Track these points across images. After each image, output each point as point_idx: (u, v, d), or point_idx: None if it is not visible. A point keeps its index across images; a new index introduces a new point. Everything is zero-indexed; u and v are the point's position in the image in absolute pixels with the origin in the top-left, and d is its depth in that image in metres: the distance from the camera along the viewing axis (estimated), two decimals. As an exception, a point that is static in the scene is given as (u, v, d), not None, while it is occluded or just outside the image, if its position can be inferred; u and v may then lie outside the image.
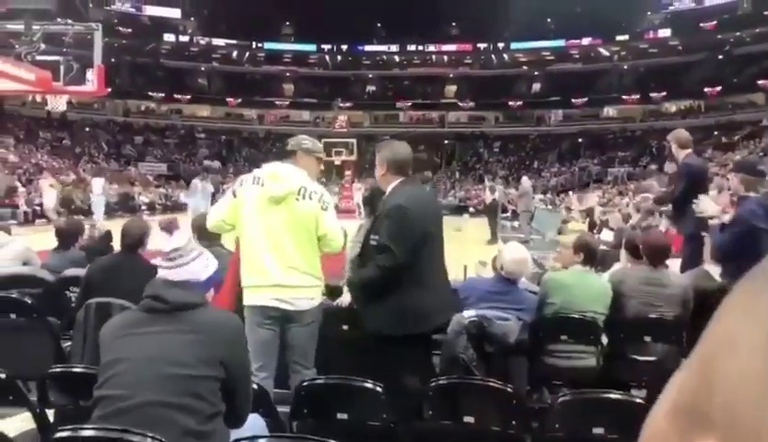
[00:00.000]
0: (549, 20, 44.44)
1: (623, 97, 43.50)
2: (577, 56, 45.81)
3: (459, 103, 47.14)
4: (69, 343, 4.18)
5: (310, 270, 3.49)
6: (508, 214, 20.77)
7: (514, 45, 46.39)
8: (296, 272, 3.43)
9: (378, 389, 2.74)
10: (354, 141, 29.02)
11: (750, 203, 4.58)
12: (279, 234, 3.43)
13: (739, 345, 0.40)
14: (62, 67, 11.13)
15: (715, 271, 4.72)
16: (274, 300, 3.40)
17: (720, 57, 40.09)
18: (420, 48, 47.73)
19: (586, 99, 44.14)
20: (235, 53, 47.21)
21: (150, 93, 44.83)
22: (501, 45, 46.69)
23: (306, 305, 3.46)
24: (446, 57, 48.28)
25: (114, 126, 42.63)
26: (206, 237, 4.46)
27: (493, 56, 47.44)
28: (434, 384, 3.01)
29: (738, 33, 39.08)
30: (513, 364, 3.91)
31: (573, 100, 44.35)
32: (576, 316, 4.07)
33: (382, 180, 3.72)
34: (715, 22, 39.59)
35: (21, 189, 21.25)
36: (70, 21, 12.49)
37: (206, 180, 15.66)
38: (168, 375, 2.14)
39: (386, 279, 3.42)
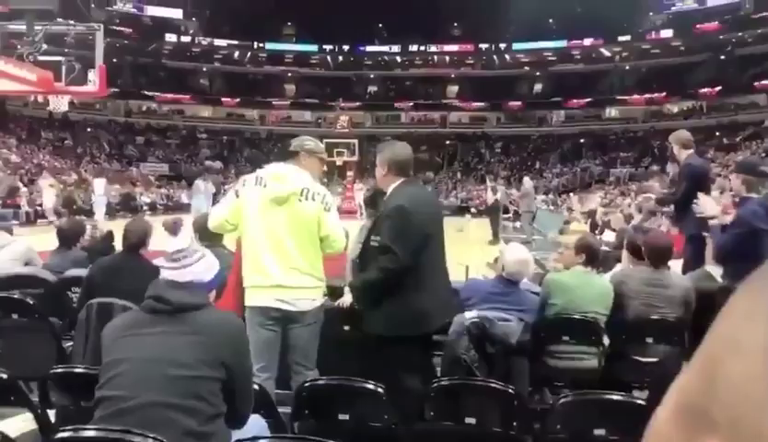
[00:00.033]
0: (551, 21, 44.44)
1: (625, 97, 43.49)
2: (579, 57, 45.79)
3: (461, 104, 47.19)
4: (71, 344, 4.18)
5: (312, 271, 3.49)
6: (510, 214, 20.77)
7: (516, 45, 46.39)
8: (298, 272, 3.43)
9: (380, 390, 2.74)
10: (355, 141, 29.05)
11: (751, 204, 4.57)
12: (281, 235, 3.43)
13: (742, 347, 0.40)
14: (63, 68, 11.12)
15: (716, 272, 4.71)
16: (276, 301, 3.40)
17: (722, 58, 40.06)
18: (422, 48, 47.76)
19: (588, 100, 44.16)
20: (237, 54, 47.26)
21: (152, 93, 44.90)
22: (503, 45, 46.71)
23: (307, 306, 3.46)
24: (447, 57, 48.30)
25: (116, 126, 42.70)
26: (208, 237, 4.47)
27: (494, 57, 47.46)
28: (435, 385, 3.01)
29: (740, 34, 39.06)
30: (514, 365, 3.90)
31: (575, 101, 44.36)
32: (578, 317, 4.07)
33: (383, 181, 3.72)
34: (717, 23, 39.54)
35: (23, 189, 21.27)
36: (72, 22, 12.48)
37: (208, 180, 15.68)
38: (169, 376, 2.13)
39: (389, 281, 3.42)
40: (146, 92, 44.74)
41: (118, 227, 5.55)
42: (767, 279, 0.43)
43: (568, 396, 2.86)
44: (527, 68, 47.05)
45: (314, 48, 47.72)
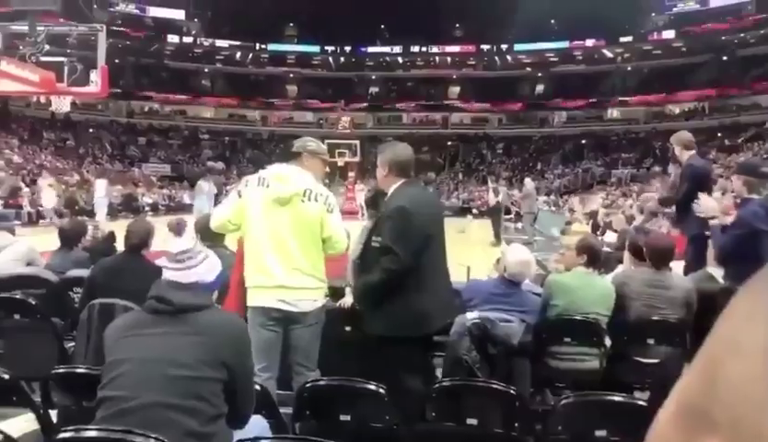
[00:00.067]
0: (552, 21, 44.40)
1: (627, 98, 43.46)
2: (581, 58, 45.78)
3: (463, 104, 47.18)
4: (72, 344, 4.19)
5: (314, 272, 3.50)
6: (512, 215, 20.76)
7: (517, 46, 46.39)
8: (300, 273, 3.43)
9: (381, 390, 2.74)
10: (357, 142, 29.06)
11: (752, 205, 4.57)
12: (283, 235, 3.43)
13: (742, 348, 0.41)
14: (66, 68, 11.15)
15: (718, 273, 4.71)
16: (277, 301, 3.41)
17: (724, 59, 40.02)
18: (423, 49, 47.78)
19: (589, 101, 44.13)
20: (238, 54, 47.31)
21: (154, 94, 44.94)
22: (504, 46, 46.71)
23: (309, 306, 3.46)
24: (449, 58, 48.33)
25: (118, 127, 42.74)
26: (209, 238, 4.48)
27: (496, 57, 47.46)
28: (437, 386, 3.01)
29: (742, 34, 39.03)
30: (516, 366, 3.90)
31: (576, 102, 44.33)
32: (580, 318, 4.07)
33: (384, 182, 3.72)
34: (719, 23, 39.51)
35: (25, 189, 21.29)
36: (74, 23, 12.50)
37: (210, 181, 15.66)
38: (171, 376, 2.14)
39: (391, 282, 3.42)
40: (148, 93, 44.78)
41: (120, 228, 5.55)
42: (766, 281, 0.43)
43: (570, 397, 2.86)
44: (528, 69, 47.05)
45: (316, 49, 47.75)
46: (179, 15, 45.74)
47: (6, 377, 2.73)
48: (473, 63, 48.19)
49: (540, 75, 46.69)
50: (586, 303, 4.11)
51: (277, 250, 3.42)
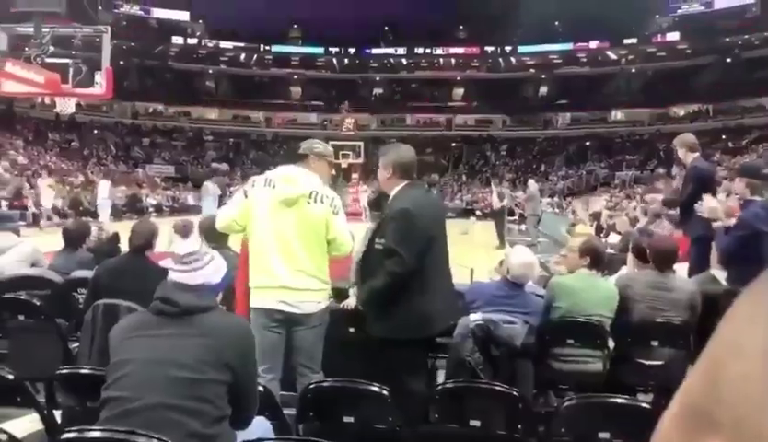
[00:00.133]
0: (556, 23, 44.40)
1: (631, 100, 43.40)
2: (585, 59, 45.78)
3: (467, 106, 47.17)
4: (77, 345, 4.19)
5: (318, 273, 3.50)
6: (515, 217, 20.75)
7: (521, 48, 46.40)
8: (304, 274, 3.44)
9: (385, 392, 2.74)
10: (361, 144, 29.14)
11: (754, 207, 4.58)
12: (289, 236, 3.44)
13: (744, 349, 0.41)
14: (71, 70, 11.17)
15: (721, 275, 4.70)
16: (279, 303, 3.41)
17: (729, 61, 39.95)
18: (427, 51, 47.82)
19: (593, 103, 44.08)
20: (243, 56, 47.40)
21: (158, 95, 45.02)
22: (508, 48, 46.74)
23: (312, 308, 3.47)
24: (453, 60, 48.34)
25: (122, 128, 42.83)
26: (214, 239, 4.49)
27: (500, 59, 47.47)
28: (440, 387, 3.01)
29: (746, 37, 38.96)
30: (519, 367, 3.90)
31: (580, 104, 44.29)
32: (583, 320, 4.06)
33: (387, 184, 3.73)
34: (723, 26, 39.44)
35: (30, 190, 21.34)
36: (79, 24, 12.53)
37: (215, 182, 15.68)
38: (175, 378, 2.14)
39: (395, 285, 3.42)
40: (153, 94, 44.88)
41: (124, 229, 5.56)
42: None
43: (573, 399, 2.86)
44: (532, 71, 47.07)
45: (320, 50, 47.83)
46: (183, 16, 45.86)
47: (11, 377, 2.74)
48: (477, 64, 48.22)
49: (544, 76, 46.70)
50: (589, 305, 4.11)
51: (282, 250, 3.43)
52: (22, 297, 4.38)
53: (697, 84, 41.12)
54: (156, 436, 1.93)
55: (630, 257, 5.07)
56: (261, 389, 2.59)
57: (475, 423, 2.83)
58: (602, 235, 11.59)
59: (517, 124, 46.31)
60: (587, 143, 42.95)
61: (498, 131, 46.44)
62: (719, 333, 0.45)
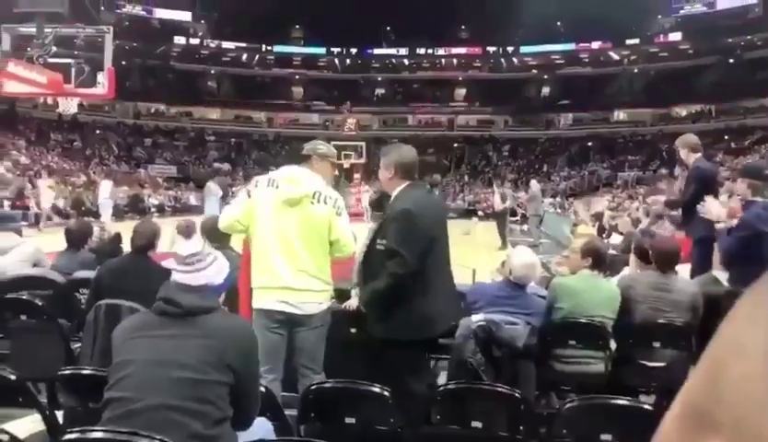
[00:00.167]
0: (559, 24, 44.35)
1: (634, 101, 43.36)
2: (587, 60, 45.73)
3: (469, 107, 47.17)
4: (79, 345, 4.20)
5: (320, 274, 3.50)
6: (518, 217, 20.75)
7: (523, 49, 46.35)
8: (306, 275, 3.44)
9: (386, 393, 2.74)
10: (363, 144, 29.13)
11: (756, 208, 4.58)
12: (291, 236, 3.44)
13: (745, 350, 0.41)
14: (73, 70, 11.18)
15: (723, 276, 4.70)
16: (280, 303, 3.41)
17: (731, 61, 39.91)
18: (429, 51, 47.78)
19: (596, 103, 44.05)
20: (245, 56, 47.40)
21: (160, 95, 45.07)
22: (511, 49, 46.69)
23: (313, 309, 3.47)
24: (455, 60, 48.32)
25: (124, 128, 42.86)
26: (216, 239, 4.49)
27: (502, 60, 47.44)
28: (442, 389, 3.01)
29: (749, 37, 38.91)
30: (521, 368, 3.90)
31: (583, 104, 44.26)
32: (585, 321, 4.06)
33: (389, 184, 3.73)
34: (726, 26, 39.38)
35: (32, 190, 21.36)
36: (81, 24, 12.54)
37: (217, 182, 15.69)
38: (177, 378, 2.14)
39: (398, 286, 3.42)
40: (155, 94, 44.92)
41: (126, 229, 5.56)
42: None
43: (575, 400, 2.86)
44: (535, 71, 47.02)
45: (322, 51, 47.82)
46: (185, 16, 45.84)
47: (13, 377, 2.75)
48: (479, 65, 48.17)
49: (546, 77, 46.65)
50: (591, 306, 4.11)
51: (284, 251, 3.43)
52: (24, 298, 4.39)
53: (700, 84, 41.05)
54: (158, 437, 1.93)
55: (632, 258, 5.07)
56: (262, 389, 2.59)
57: (477, 424, 2.83)
58: (604, 235, 11.58)
59: (519, 125, 46.28)
60: (590, 143, 42.91)
61: (500, 131, 46.40)
62: (720, 334, 0.45)
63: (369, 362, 3.75)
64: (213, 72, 47.35)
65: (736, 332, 0.43)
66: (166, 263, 2.42)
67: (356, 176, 27.59)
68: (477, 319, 3.89)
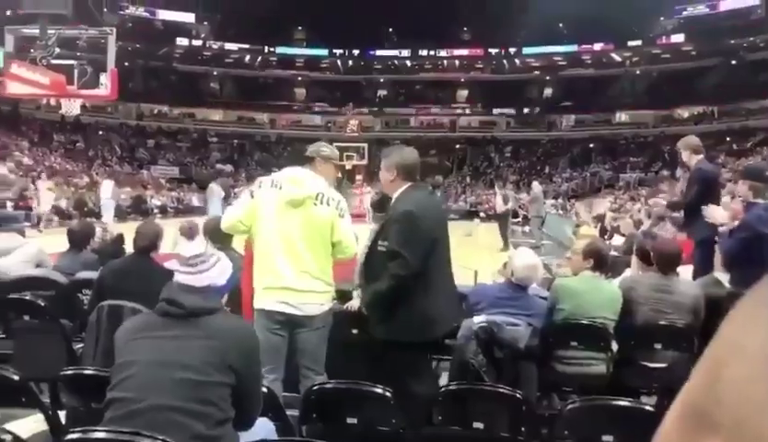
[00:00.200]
0: (561, 25, 44.29)
1: (636, 102, 43.30)
2: (590, 61, 45.64)
3: (471, 108, 47.14)
4: (81, 346, 4.21)
5: (322, 275, 3.51)
6: (519, 219, 20.74)
7: (526, 50, 46.27)
8: (309, 276, 3.45)
9: (388, 394, 2.74)
10: (365, 145, 29.13)
11: (757, 209, 4.58)
12: (294, 237, 3.45)
13: (745, 350, 0.41)
14: (76, 71, 11.22)
15: (725, 278, 4.69)
16: (281, 304, 3.42)
17: (734, 63, 39.83)
18: (431, 53, 47.72)
19: (598, 105, 43.99)
20: (247, 58, 47.39)
21: (163, 97, 45.10)
22: (513, 50, 46.59)
23: (314, 310, 3.47)
24: (457, 62, 48.26)
25: (127, 129, 42.88)
26: (218, 240, 4.49)
27: (504, 61, 47.37)
28: (443, 390, 3.01)
29: (751, 39, 38.85)
30: (523, 370, 3.90)
31: (585, 105, 44.21)
32: (586, 322, 4.06)
33: (390, 186, 3.73)
34: (728, 28, 39.32)
35: (35, 191, 21.38)
36: (84, 26, 12.58)
37: (219, 183, 15.70)
38: (179, 379, 2.15)
39: (400, 288, 3.43)
40: (157, 96, 44.94)
41: (128, 230, 5.57)
42: None
43: (576, 402, 2.86)
44: (537, 73, 46.96)
45: (324, 52, 47.80)
46: (188, 18, 45.82)
47: (16, 377, 2.75)
48: (481, 66, 48.09)
49: (548, 78, 46.58)
50: (592, 307, 4.11)
51: (287, 251, 3.44)
52: (27, 298, 4.40)
53: (702, 86, 40.97)
54: (160, 437, 1.93)
55: (634, 259, 5.07)
56: (264, 390, 2.59)
57: (478, 425, 2.83)
58: (606, 237, 11.57)
59: (521, 126, 46.22)
60: (592, 145, 42.85)
61: (502, 132, 46.34)
62: (721, 334, 0.45)
63: (371, 363, 3.75)
64: (215, 73, 47.36)
65: (736, 333, 0.44)
66: (168, 264, 2.42)
67: (358, 177, 27.58)
68: (479, 320, 3.89)
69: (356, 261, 4.42)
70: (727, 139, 35.74)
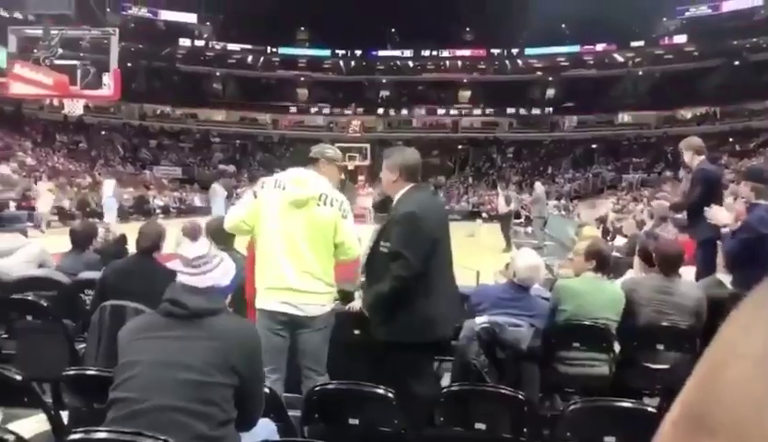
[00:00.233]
0: (563, 26, 44.26)
1: (638, 103, 43.27)
2: (592, 62, 45.63)
3: (473, 108, 47.13)
4: (83, 346, 4.21)
5: (323, 276, 3.51)
6: (521, 219, 20.73)
7: (528, 51, 46.28)
8: (311, 277, 3.45)
9: (390, 394, 2.74)
10: (367, 146, 29.19)
11: (759, 210, 4.58)
12: (297, 238, 3.45)
13: (744, 351, 0.41)
14: (79, 71, 11.25)
15: (727, 279, 4.69)
16: (282, 304, 3.42)
17: (736, 63, 39.78)
18: (434, 53, 47.74)
19: (600, 105, 43.96)
20: (250, 58, 47.46)
21: (165, 97, 45.17)
22: (515, 50, 46.61)
23: (316, 311, 3.47)
24: (460, 62, 48.27)
25: (130, 130, 42.98)
26: (221, 240, 4.49)
27: (507, 61, 47.37)
28: (445, 390, 3.01)
29: (754, 39, 38.81)
30: (525, 370, 3.89)
31: (587, 106, 44.17)
32: (589, 323, 4.06)
33: (392, 187, 3.72)
34: (731, 28, 39.27)
35: (37, 192, 21.41)
36: (87, 26, 12.60)
37: (221, 183, 15.68)
38: (182, 380, 2.15)
39: (402, 289, 3.42)
40: (160, 96, 45.02)
41: (131, 230, 5.57)
42: None
43: (578, 402, 2.86)
44: (539, 73, 46.96)
45: (327, 52, 47.84)
46: (191, 18, 45.93)
47: (18, 377, 2.76)
48: (484, 67, 48.09)
49: (550, 79, 46.59)
50: (595, 308, 4.10)
51: (289, 252, 3.44)
52: (30, 298, 4.41)
53: (704, 87, 40.95)
54: (162, 437, 1.93)
55: (636, 260, 5.06)
56: (266, 390, 2.59)
57: (480, 426, 2.83)
58: (609, 238, 11.55)
59: (523, 127, 46.23)
60: (594, 145, 42.85)
61: (505, 133, 46.35)
62: (721, 335, 0.45)
63: (373, 364, 3.75)
64: (218, 74, 47.43)
65: (736, 334, 0.44)
66: (171, 265, 2.42)
67: (361, 178, 27.60)
68: (481, 320, 3.89)
69: (359, 262, 4.42)
70: (730, 140, 35.73)
